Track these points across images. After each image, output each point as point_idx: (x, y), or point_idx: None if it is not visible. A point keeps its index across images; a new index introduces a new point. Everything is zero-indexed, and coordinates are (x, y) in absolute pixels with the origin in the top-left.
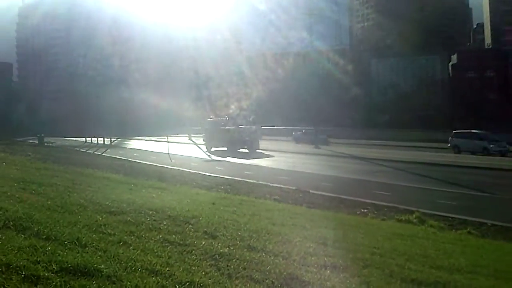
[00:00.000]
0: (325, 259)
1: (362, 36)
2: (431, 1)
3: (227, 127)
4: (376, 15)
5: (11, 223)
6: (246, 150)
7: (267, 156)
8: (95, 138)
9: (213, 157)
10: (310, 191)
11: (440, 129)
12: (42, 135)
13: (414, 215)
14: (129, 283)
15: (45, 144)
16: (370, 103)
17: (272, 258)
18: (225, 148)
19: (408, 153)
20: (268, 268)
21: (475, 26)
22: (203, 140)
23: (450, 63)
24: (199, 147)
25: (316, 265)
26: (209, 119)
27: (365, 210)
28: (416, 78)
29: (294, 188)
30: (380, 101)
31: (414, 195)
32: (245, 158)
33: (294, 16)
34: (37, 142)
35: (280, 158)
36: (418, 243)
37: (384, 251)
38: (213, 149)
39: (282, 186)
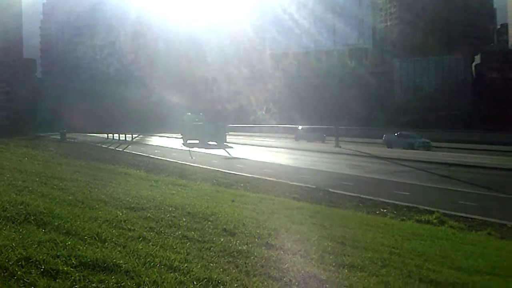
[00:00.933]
0: (343, 258)
1: (385, 35)
2: (455, 1)
3: (199, 123)
4: (400, 14)
5: (32, 217)
6: (215, 143)
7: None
8: (117, 135)
9: (234, 155)
10: (330, 190)
11: (463, 129)
12: (64, 130)
13: (434, 216)
14: (147, 278)
15: (67, 139)
16: (392, 103)
17: (290, 256)
18: (197, 141)
19: (429, 153)
20: (286, 266)
21: (499, 27)
22: (180, 134)
23: (474, 64)
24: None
25: (334, 264)
26: (186, 115)
27: (385, 210)
28: (439, 78)
29: (313, 186)
30: (402, 100)
31: (434, 195)
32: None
33: (317, 15)
34: (59, 137)
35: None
36: (438, 243)
37: (403, 251)
38: (188, 141)
39: (301, 184)
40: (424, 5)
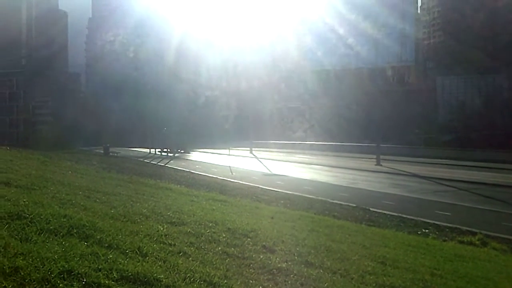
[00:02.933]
0: (384, 278)
1: (428, 53)
2: (500, 18)
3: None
4: (444, 32)
5: (75, 230)
6: (182, 151)
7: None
8: (159, 149)
9: (274, 171)
10: (370, 208)
11: (508, 149)
12: (108, 145)
13: (476, 237)
14: None
15: (110, 154)
16: (435, 121)
17: (330, 275)
18: (169, 150)
19: (472, 173)
20: (325, 285)
21: None
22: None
23: None
24: (260, 161)
25: (374, 284)
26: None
27: (426, 230)
28: (483, 96)
29: (353, 205)
30: (445, 119)
31: (477, 216)
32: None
33: (360, 32)
34: (102, 151)
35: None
36: (480, 265)
37: (445, 273)
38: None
39: (341, 202)
40: (468, 22)
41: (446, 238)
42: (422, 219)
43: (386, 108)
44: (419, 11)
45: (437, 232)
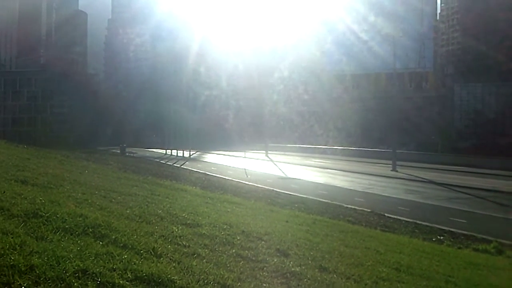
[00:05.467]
0: (398, 285)
1: (446, 59)
2: None
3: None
4: (463, 39)
5: (90, 229)
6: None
7: None
8: (175, 150)
9: (289, 175)
10: (385, 214)
11: None
12: (124, 145)
13: (491, 245)
14: None
15: (127, 154)
16: (452, 128)
17: (343, 280)
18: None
19: (489, 181)
20: None
21: None
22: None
23: None
24: (275, 164)
25: None
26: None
27: (441, 237)
28: (501, 104)
29: (368, 210)
30: (462, 126)
31: (493, 224)
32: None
33: (378, 38)
34: (119, 151)
35: None
36: (495, 274)
37: (459, 281)
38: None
39: (356, 207)
40: (488, 29)
41: (461, 246)
42: (437, 226)
43: (403, 114)
44: (438, 18)
45: (452, 239)
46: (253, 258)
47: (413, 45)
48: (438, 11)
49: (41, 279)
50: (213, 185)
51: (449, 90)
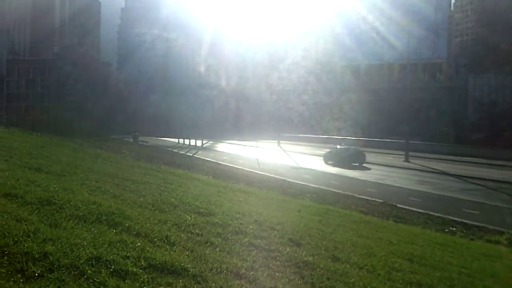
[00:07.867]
0: (411, 275)
1: (460, 50)
2: None
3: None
4: (477, 30)
5: (104, 217)
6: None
7: None
8: (187, 140)
9: (301, 165)
10: (398, 205)
11: None
12: (137, 133)
13: (504, 236)
14: (214, 284)
15: (139, 142)
16: (465, 119)
17: (356, 270)
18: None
19: (502, 172)
20: (352, 280)
21: None
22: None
23: None
24: (287, 154)
25: (401, 281)
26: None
27: (454, 229)
28: None
29: (381, 201)
30: (476, 117)
31: (505, 215)
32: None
33: (392, 28)
34: (131, 140)
35: None
36: (508, 265)
37: (472, 272)
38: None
39: (368, 198)
40: (502, 20)
41: (474, 237)
42: (449, 217)
43: (416, 104)
44: (452, 8)
45: (464, 231)
46: (266, 248)
47: (427, 36)
48: (453, 1)
49: (55, 266)
50: (225, 175)
51: (463, 81)
